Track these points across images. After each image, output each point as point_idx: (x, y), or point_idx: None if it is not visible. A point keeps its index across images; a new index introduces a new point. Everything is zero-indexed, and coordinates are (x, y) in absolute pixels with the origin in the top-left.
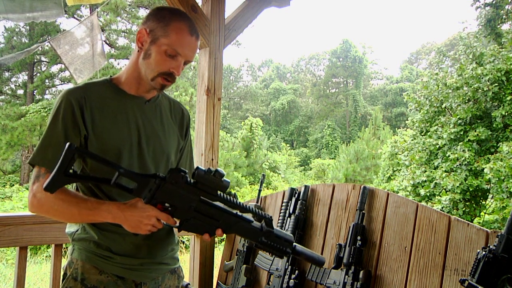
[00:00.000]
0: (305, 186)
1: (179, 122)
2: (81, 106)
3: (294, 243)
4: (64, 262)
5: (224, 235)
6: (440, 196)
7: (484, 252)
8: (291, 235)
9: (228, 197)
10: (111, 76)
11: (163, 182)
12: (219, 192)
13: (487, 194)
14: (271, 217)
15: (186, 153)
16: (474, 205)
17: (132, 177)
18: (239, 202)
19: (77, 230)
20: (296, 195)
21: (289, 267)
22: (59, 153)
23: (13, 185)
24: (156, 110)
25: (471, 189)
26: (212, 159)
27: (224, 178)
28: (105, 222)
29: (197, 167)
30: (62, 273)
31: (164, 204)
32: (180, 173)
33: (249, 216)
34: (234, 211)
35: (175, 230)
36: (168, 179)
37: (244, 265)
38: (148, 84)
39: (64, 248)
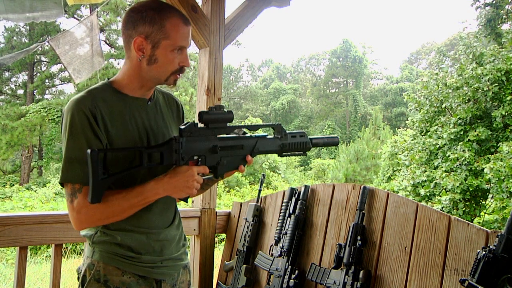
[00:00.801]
0: (305, 186)
1: (176, 114)
2: (94, 115)
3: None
4: (69, 262)
5: (224, 235)
6: (440, 196)
7: (484, 252)
8: (300, 130)
9: (237, 125)
10: (108, 79)
11: (181, 139)
12: (228, 123)
13: (487, 194)
14: (279, 123)
15: None
16: (474, 205)
17: (155, 150)
18: (247, 125)
19: (96, 233)
20: (296, 195)
21: (289, 267)
22: (86, 164)
23: (13, 185)
24: (157, 108)
25: (471, 189)
26: None
27: (225, 109)
28: (155, 199)
29: (199, 112)
30: (77, 276)
31: (193, 158)
32: (190, 124)
33: (261, 133)
34: (248, 134)
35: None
36: (183, 133)
37: (244, 265)
38: (154, 84)
39: (64, 248)
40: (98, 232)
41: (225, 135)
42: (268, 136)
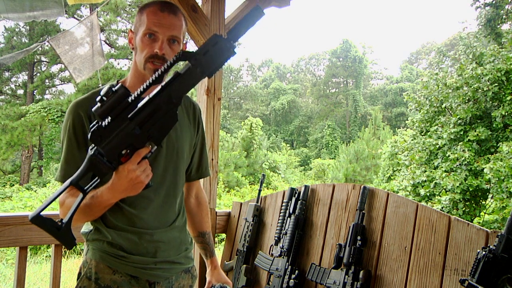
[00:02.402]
0: (305, 186)
1: (192, 116)
2: (89, 117)
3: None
4: (69, 262)
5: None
6: (440, 196)
7: (484, 252)
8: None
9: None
10: (118, 81)
11: (95, 150)
12: (129, 98)
13: (487, 194)
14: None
15: (200, 146)
16: (474, 205)
17: (84, 174)
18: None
19: (90, 231)
20: (296, 195)
21: (289, 267)
22: (76, 167)
23: (13, 185)
24: None
25: (471, 189)
26: (212, 159)
27: (116, 87)
28: (114, 203)
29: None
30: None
31: (122, 154)
32: (93, 129)
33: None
34: (159, 86)
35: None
36: (94, 142)
37: (244, 265)
38: (146, 77)
39: (64, 248)
40: (93, 230)
41: (136, 110)
42: (181, 71)
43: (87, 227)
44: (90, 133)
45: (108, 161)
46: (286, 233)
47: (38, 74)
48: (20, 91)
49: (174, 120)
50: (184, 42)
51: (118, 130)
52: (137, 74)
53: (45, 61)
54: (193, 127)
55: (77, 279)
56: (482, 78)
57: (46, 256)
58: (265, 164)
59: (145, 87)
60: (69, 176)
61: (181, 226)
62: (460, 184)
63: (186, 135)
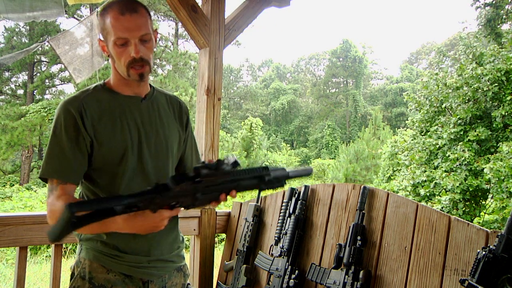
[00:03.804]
0: (305, 186)
1: (178, 114)
2: (81, 114)
3: (285, 170)
4: (69, 262)
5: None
6: (440, 196)
7: (484, 252)
8: (283, 168)
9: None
10: (104, 80)
11: (170, 192)
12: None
13: (487, 194)
14: (265, 166)
15: (190, 145)
16: (474, 205)
17: (136, 199)
18: (234, 178)
19: None
20: (296, 195)
21: (289, 267)
22: (65, 161)
23: (13, 185)
24: (153, 106)
25: (471, 189)
26: (212, 159)
27: (227, 165)
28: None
29: (198, 168)
30: (70, 272)
31: (173, 204)
32: (183, 179)
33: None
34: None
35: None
36: (173, 188)
37: (244, 265)
38: (131, 81)
39: (64, 248)
40: None
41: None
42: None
43: None
44: (198, 169)
45: (161, 205)
46: (286, 233)
47: (38, 74)
48: (20, 91)
49: (212, 199)
50: (154, 30)
51: (191, 188)
52: (121, 78)
53: (45, 61)
54: (180, 126)
55: (70, 279)
56: (482, 78)
57: (46, 256)
58: (265, 164)
59: None
60: (57, 170)
61: (173, 224)
62: (460, 184)
63: (174, 133)
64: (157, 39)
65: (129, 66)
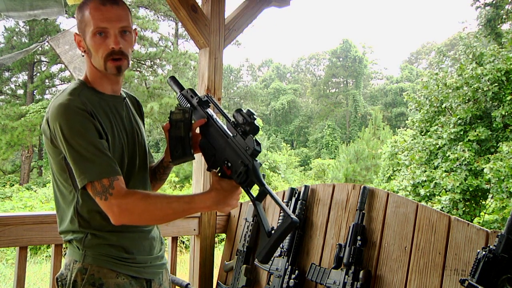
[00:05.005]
0: (305, 186)
1: (139, 112)
2: (91, 114)
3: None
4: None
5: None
6: (440, 196)
7: (484, 252)
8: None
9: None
10: (80, 80)
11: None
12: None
13: (487, 194)
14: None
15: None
16: (474, 205)
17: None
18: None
19: (86, 236)
20: (296, 195)
21: (289, 267)
22: (106, 157)
23: (13, 185)
24: (128, 106)
25: (471, 189)
26: None
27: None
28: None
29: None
30: (64, 279)
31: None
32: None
33: None
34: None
35: None
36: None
37: (244, 265)
38: (109, 76)
39: (64, 248)
40: (89, 235)
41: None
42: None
43: (79, 233)
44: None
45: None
46: None
47: (38, 74)
48: (20, 91)
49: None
50: (134, 28)
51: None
52: (98, 73)
53: (45, 61)
54: (142, 122)
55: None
56: (482, 78)
57: (46, 256)
58: (265, 164)
59: None
60: (111, 168)
61: None
62: (460, 184)
63: (143, 130)
64: (136, 39)
65: (107, 58)
